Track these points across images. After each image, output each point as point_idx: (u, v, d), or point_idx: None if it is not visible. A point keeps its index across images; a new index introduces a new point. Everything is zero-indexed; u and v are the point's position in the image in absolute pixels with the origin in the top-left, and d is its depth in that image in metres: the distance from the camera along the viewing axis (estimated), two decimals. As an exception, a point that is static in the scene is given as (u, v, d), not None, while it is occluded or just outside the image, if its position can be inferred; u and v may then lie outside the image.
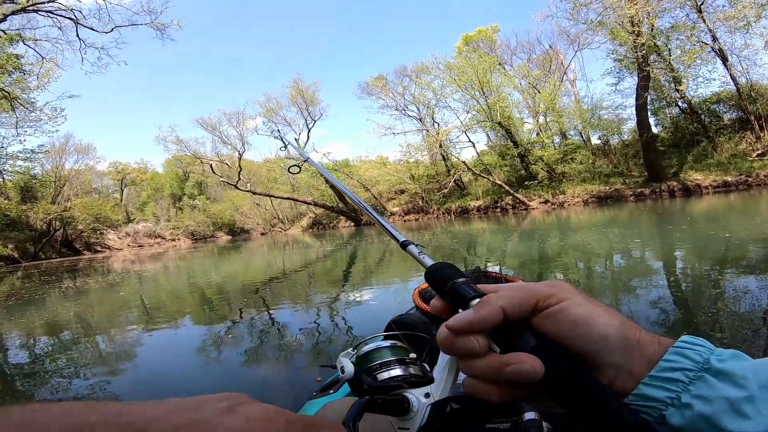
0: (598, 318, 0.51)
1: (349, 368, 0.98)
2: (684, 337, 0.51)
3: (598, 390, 0.47)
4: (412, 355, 1.06)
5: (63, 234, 46.59)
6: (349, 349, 1.10)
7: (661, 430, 0.47)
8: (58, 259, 39.68)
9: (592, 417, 0.46)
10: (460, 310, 0.56)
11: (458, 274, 0.61)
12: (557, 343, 0.51)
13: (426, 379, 0.97)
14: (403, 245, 0.87)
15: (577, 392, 0.48)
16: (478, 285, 0.59)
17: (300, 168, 2.00)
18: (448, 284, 0.60)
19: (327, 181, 29.41)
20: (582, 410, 0.47)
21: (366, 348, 1.08)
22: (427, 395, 0.75)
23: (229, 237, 62.99)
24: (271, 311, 8.18)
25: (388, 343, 1.06)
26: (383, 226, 1.01)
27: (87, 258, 39.57)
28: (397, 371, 1.00)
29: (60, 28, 29.98)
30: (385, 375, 0.99)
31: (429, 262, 0.70)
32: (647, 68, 28.42)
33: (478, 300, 0.55)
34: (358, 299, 8.40)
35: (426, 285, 3.78)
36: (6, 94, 28.46)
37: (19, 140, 39.27)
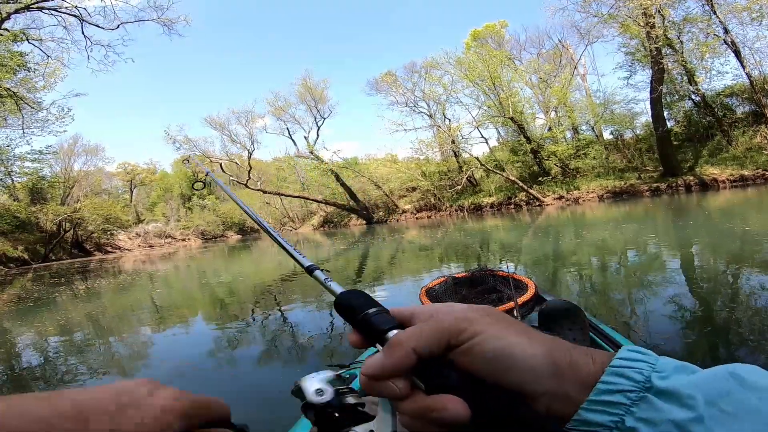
0: (518, 349, 0.49)
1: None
2: (622, 352, 0.49)
3: (533, 421, 0.47)
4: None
5: (73, 235, 46.65)
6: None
7: None
8: (69, 261, 39.66)
9: None
10: (377, 345, 0.55)
11: (370, 303, 0.59)
12: (479, 379, 0.49)
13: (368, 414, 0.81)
14: (309, 270, 0.82)
15: (510, 427, 0.47)
16: (393, 311, 0.58)
17: (204, 184, 1.93)
18: (360, 315, 0.57)
19: (338, 178, 29.76)
20: None
21: (303, 382, 0.89)
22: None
23: (240, 236, 62.90)
24: (283, 310, 8.12)
25: (323, 374, 0.86)
26: (286, 249, 0.98)
27: (97, 259, 39.54)
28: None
29: (65, 27, 29.82)
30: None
31: (338, 289, 0.66)
32: (662, 61, 27.99)
33: (393, 333, 0.53)
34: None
35: (434, 283, 3.94)
36: (11, 93, 28.26)
37: (27, 141, 39.29)
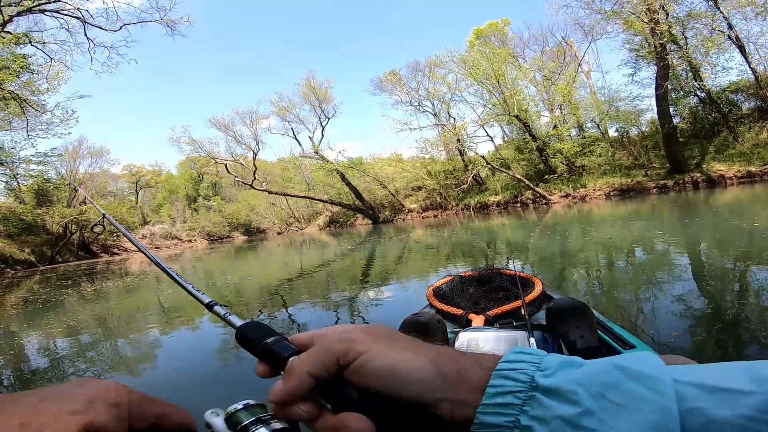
0: (402, 364, 0.51)
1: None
2: (507, 355, 0.51)
3: (439, 426, 0.48)
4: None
5: (79, 237, 46.79)
6: (217, 410, 0.89)
7: None
8: (76, 262, 39.73)
9: None
10: (281, 372, 0.56)
11: (268, 333, 0.61)
12: (377, 393, 0.51)
13: None
14: (209, 306, 0.81)
15: None
16: (294, 338, 0.60)
17: (104, 227, 1.88)
18: (260, 345, 0.59)
19: (343, 178, 29.71)
20: None
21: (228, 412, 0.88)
22: None
23: (246, 237, 63.05)
24: (289, 311, 8.08)
25: (241, 404, 0.83)
26: (183, 286, 0.96)
27: (104, 261, 39.56)
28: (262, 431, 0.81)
29: (68, 30, 29.84)
30: None
31: (238, 322, 0.67)
32: (667, 57, 27.91)
33: (290, 362, 0.55)
34: (374, 298, 8.36)
35: (441, 282, 3.81)
36: (15, 95, 28.27)
37: (31, 143, 39.35)
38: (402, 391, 0.50)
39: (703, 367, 0.46)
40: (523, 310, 2.71)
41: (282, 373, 0.56)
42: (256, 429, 0.80)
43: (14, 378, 6.11)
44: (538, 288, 3.34)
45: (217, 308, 0.79)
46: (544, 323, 2.51)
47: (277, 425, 0.78)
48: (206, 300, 0.84)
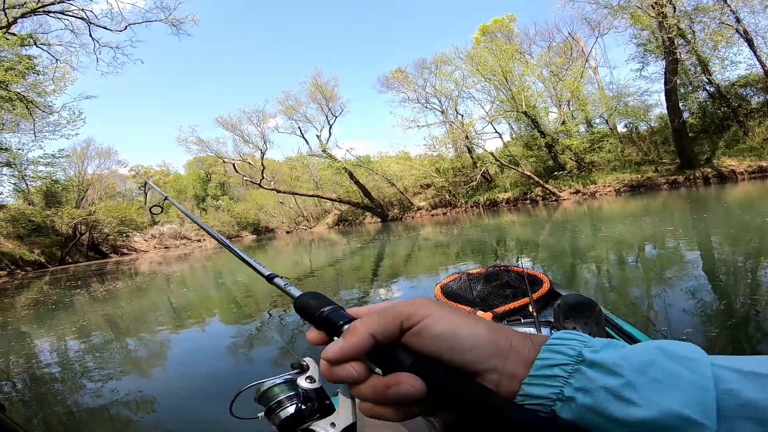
0: (463, 330, 0.53)
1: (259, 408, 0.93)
2: (557, 333, 0.53)
3: (483, 395, 0.49)
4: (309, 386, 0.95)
5: (89, 238, 46.94)
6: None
7: (559, 422, 0.48)
8: (85, 263, 39.91)
9: (481, 421, 0.48)
10: (335, 338, 0.58)
11: (326, 302, 0.64)
12: (432, 359, 0.52)
13: (330, 408, 0.92)
14: (269, 278, 0.88)
15: (464, 401, 0.49)
16: (350, 310, 0.62)
17: (162, 208, 1.99)
18: (318, 314, 0.62)
19: (351, 176, 29.70)
20: (470, 416, 0.49)
21: (266, 385, 1.00)
22: (333, 425, 0.78)
23: (254, 236, 63.09)
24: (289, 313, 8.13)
25: (281, 378, 1.00)
26: (246, 261, 1.05)
27: (114, 261, 39.73)
28: (290, 410, 0.93)
29: (72, 31, 29.97)
30: (291, 410, 0.93)
31: (296, 293, 0.72)
32: (675, 51, 27.73)
33: (348, 326, 0.57)
34: (383, 296, 8.45)
35: (449, 279, 3.91)
36: (21, 96, 28.30)
37: (39, 145, 39.42)
38: (459, 357, 0.51)
39: (740, 357, 0.46)
40: (531, 307, 2.74)
41: (335, 339, 0.57)
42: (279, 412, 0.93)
43: (31, 383, 6.16)
44: (546, 285, 3.39)
45: (277, 280, 0.85)
46: (552, 320, 2.52)
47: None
48: (266, 272, 0.91)
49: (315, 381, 0.90)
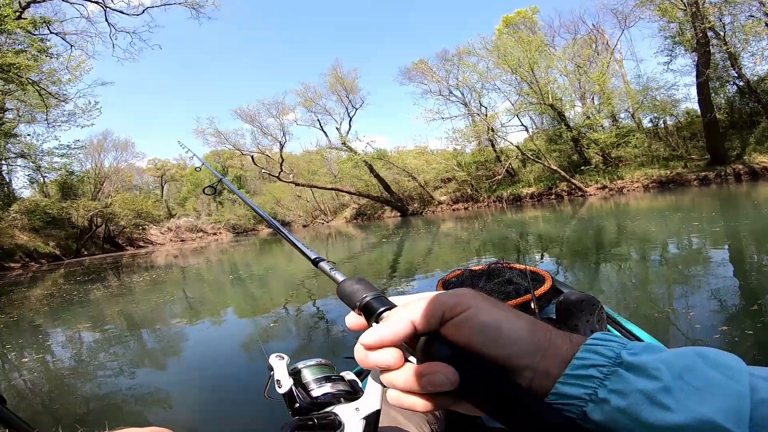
0: (505, 323, 0.52)
1: (286, 381, 0.93)
2: (596, 334, 0.53)
3: (516, 392, 0.49)
4: (345, 375, 1.01)
5: (105, 230, 46.95)
6: (282, 354, 0.99)
7: (585, 426, 0.48)
8: (101, 256, 39.84)
9: (512, 418, 0.48)
10: (374, 324, 0.59)
11: (369, 288, 0.65)
12: (469, 351, 0.52)
13: (355, 394, 0.94)
14: (315, 262, 0.90)
15: (494, 396, 0.49)
16: (392, 298, 0.63)
17: (215, 189, 2.04)
18: (360, 299, 0.63)
19: (371, 170, 29.19)
20: (501, 413, 0.49)
21: (299, 365, 1.01)
22: (357, 409, 0.79)
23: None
24: (317, 303, 8.36)
25: (314, 361, 1.02)
26: (294, 243, 1.06)
27: (129, 254, 39.67)
28: (327, 388, 0.95)
29: (87, 18, 29.55)
30: (318, 392, 0.94)
31: (340, 278, 0.73)
32: (708, 43, 26.88)
33: (388, 313, 0.58)
34: (400, 290, 8.43)
35: (451, 275, 4.17)
36: (32, 81, 27.70)
37: (54, 135, 39.15)
38: (498, 351, 0.51)
39: None
40: (532, 304, 2.91)
41: (374, 324, 0.59)
42: (315, 389, 0.93)
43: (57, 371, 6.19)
44: (547, 282, 3.48)
45: (322, 264, 0.85)
46: (554, 317, 2.66)
47: (341, 386, 0.94)
48: (313, 256, 0.91)
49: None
